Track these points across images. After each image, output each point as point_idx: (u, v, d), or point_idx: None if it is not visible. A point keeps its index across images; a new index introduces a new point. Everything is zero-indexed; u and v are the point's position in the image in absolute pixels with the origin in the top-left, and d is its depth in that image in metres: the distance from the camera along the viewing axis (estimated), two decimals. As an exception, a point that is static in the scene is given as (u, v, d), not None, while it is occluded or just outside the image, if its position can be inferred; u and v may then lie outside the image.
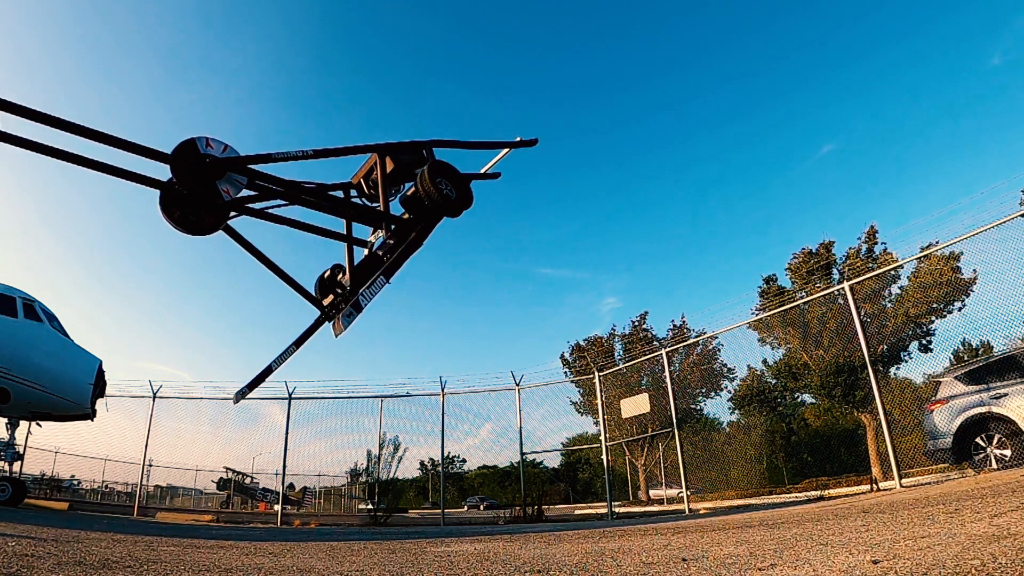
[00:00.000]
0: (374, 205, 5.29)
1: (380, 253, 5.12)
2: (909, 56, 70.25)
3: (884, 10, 70.70)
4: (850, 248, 20.88)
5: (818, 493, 13.37)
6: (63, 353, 9.83)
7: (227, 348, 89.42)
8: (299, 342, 5.50)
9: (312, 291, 5.35)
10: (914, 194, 68.72)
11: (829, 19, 75.16)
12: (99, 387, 10.25)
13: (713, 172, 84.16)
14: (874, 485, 10.82)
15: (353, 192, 5.50)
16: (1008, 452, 7.22)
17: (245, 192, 4.51)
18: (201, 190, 4.14)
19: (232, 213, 4.68)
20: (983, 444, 7.48)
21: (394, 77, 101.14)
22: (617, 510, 14.94)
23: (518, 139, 6.22)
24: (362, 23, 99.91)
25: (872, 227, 20.38)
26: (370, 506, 17.76)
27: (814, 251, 21.82)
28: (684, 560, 2.60)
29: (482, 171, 6.28)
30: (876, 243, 20.14)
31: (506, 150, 6.23)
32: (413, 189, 4.98)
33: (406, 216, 5.04)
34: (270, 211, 4.78)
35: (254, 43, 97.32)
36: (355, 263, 5.23)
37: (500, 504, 15.53)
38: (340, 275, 5.26)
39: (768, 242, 72.56)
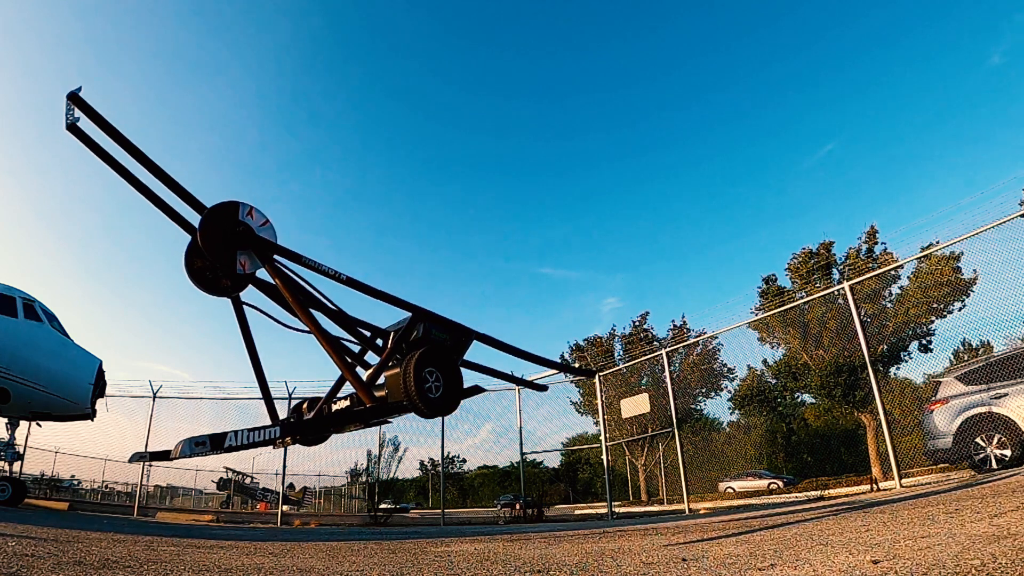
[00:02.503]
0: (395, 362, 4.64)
1: (333, 408, 4.63)
2: (909, 56, 70.24)
3: (884, 10, 70.70)
4: (850, 248, 20.87)
5: (818, 493, 13.37)
6: (63, 353, 9.83)
7: (227, 348, 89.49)
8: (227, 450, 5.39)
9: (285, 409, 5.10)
10: (914, 194, 68.74)
11: (829, 19, 75.17)
12: (99, 387, 10.24)
13: (713, 172, 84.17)
14: (874, 485, 10.82)
15: (379, 342, 5.08)
16: (1008, 452, 7.21)
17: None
18: (219, 254, 4.07)
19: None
20: (983, 444, 7.48)
21: (395, 77, 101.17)
22: (617, 510, 14.93)
23: (578, 364, 6.04)
24: (362, 23, 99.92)
25: (872, 227, 20.38)
26: (387, 504, 17.76)
27: (814, 251, 21.82)
28: (684, 560, 2.60)
29: (531, 379, 6.11)
30: (876, 243, 20.14)
31: (556, 372, 5.96)
32: (395, 370, 4.27)
33: (377, 393, 4.35)
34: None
35: (254, 43, 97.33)
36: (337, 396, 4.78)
37: (535, 502, 15.52)
38: (323, 405, 4.81)
39: (768, 242, 72.56)
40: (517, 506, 16.33)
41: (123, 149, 4.06)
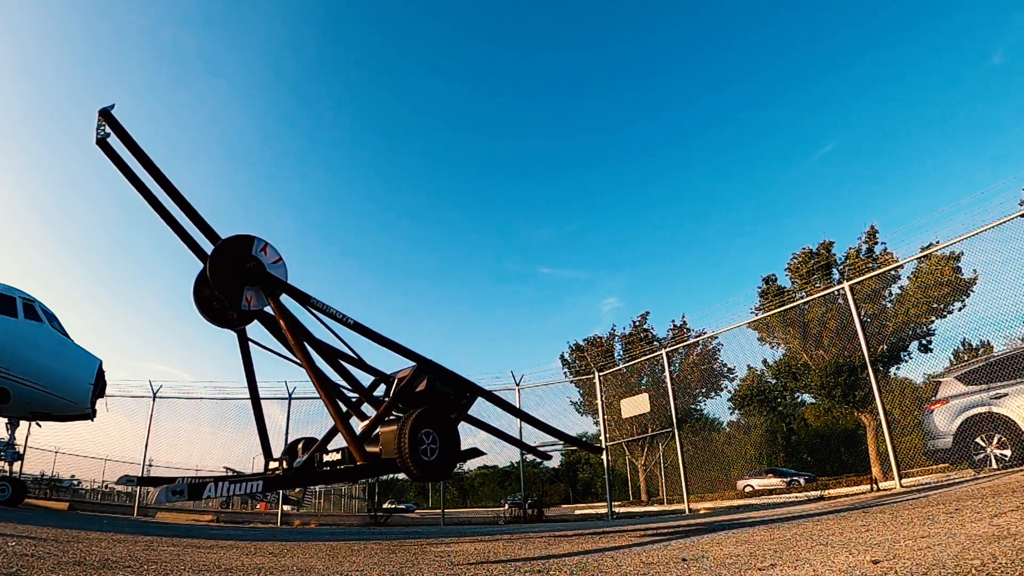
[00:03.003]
0: (394, 416, 4.40)
1: (326, 457, 4.36)
2: (909, 55, 70.31)
3: (885, 10, 70.73)
4: (850, 248, 20.88)
5: (818, 493, 13.37)
6: (63, 353, 9.82)
7: (227, 348, 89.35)
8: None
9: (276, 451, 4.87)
10: (914, 194, 68.76)
11: (829, 19, 75.19)
12: (99, 387, 10.24)
13: (713, 172, 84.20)
14: (874, 485, 10.83)
15: (381, 390, 4.95)
16: (1008, 452, 7.21)
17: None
18: (226, 287, 4.03)
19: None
20: (983, 444, 7.48)
21: (394, 75, 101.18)
22: (617, 510, 14.93)
23: (585, 439, 5.94)
24: (363, 21, 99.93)
25: (872, 227, 20.40)
26: (390, 504, 17.74)
27: (814, 251, 21.82)
28: (684, 560, 2.59)
29: (535, 445, 5.97)
30: (876, 243, 20.14)
31: (562, 442, 5.92)
32: (391, 428, 3.98)
33: (370, 448, 4.04)
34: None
35: (254, 42, 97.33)
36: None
37: (546, 502, 15.39)
38: (315, 450, 4.57)
39: (768, 242, 72.63)
40: (525, 505, 16.41)
41: (147, 171, 4.11)
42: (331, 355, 4.73)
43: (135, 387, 15.27)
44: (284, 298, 4.26)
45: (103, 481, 22.19)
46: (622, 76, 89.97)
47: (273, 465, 4.68)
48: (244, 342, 4.68)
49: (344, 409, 4.64)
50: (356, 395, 4.92)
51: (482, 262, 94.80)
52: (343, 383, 4.95)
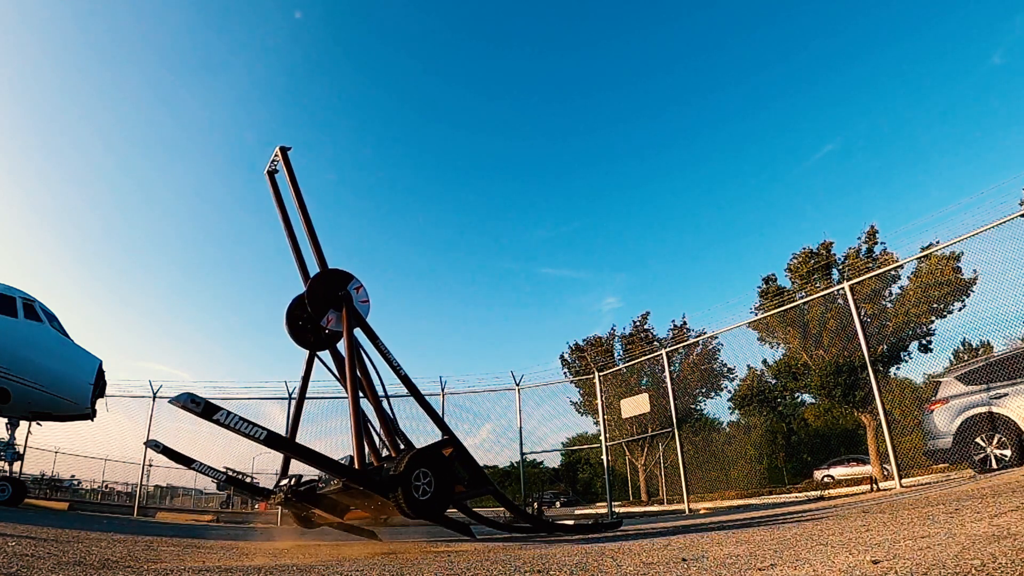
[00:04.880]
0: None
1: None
2: (909, 56, 70.05)
3: (884, 10, 70.64)
4: (850, 248, 20.85)
5: (818, 493, 13.39)
6: (63, 353, 9.83)
7: (227, 348, 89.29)
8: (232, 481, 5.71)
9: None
10: (914, 194, 68.54)
11: (829, 19, 75.08)
12: (99, 387, 10.25)
13: (713, 172, 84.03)
14: (874, 485, 10.84)
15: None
16: (1008, 452, 7.22)
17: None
18: (316, 302, 4.71)
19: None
20: (983, 444, 7.48)
21: (393, 75, 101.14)
22: (617, 510, 14.94)
23: (594, 521, 6.42)
24: (362, 21, 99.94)
25: (872, 227, 20.36)
26: None
27: (814, 251, 21.81)
28: (684, 560, 2.59)
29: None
30: (876, 243, 20.12)
31: (579, 533, 6.18)
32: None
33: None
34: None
35: (253, 41, 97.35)
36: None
37: (574, 501, 15.44)
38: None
39: (768, 242, 72.31)
40: (558, 504, 16.23)
41: (297, 205, 5.00)
42: (376, 400, 5.13)
43: (135, 387, 15.28)
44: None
45: (103, 481, 22.22)
46: (621, 76, 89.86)
47: (277, 498, 5.09)
48: (311, 364, 5.18)
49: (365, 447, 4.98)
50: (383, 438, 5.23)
51: (481, 262, 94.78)
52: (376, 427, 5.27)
